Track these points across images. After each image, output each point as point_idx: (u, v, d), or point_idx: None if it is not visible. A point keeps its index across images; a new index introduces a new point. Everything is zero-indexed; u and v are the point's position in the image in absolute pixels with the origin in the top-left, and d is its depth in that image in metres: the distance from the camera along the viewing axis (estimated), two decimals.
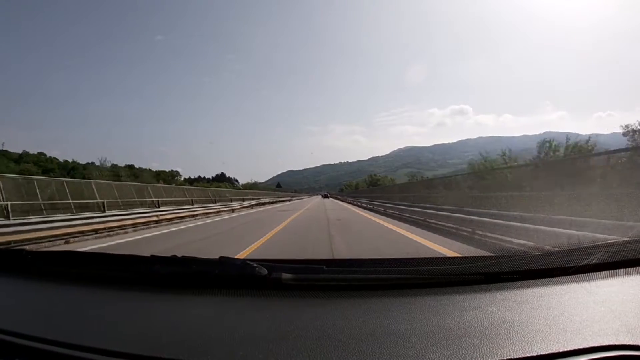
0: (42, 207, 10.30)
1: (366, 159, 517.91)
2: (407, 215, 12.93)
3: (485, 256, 0.98)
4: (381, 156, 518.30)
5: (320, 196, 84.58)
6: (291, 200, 55.43)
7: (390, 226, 10.73)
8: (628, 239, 0.93)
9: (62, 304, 0.91)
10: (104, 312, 0.83)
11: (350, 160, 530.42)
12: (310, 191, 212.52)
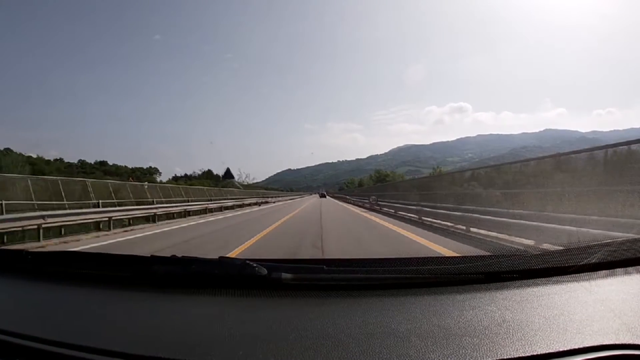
0: None
1: (365, 157, 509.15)
2: None
3: (485, 255, 0.98)
4: (380, 154, 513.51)
5: (317, 195, 75.33)
6: (261, 204, 31.38)
7: None
8: (628, 237, 0.94)
9: (62, 304, 0.91)
10: (104, 312, 0.83)
11: (348, 159, 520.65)
12: (309, 190, 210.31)
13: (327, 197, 62.71)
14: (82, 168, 67.32)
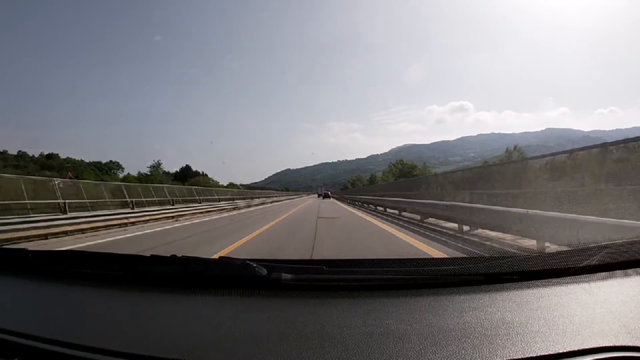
0: None
1: (365, 157, 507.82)
2: None
3: (485, 257, 0.98)
4: (380, 154, 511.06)
5: (316, 196, 58.04)
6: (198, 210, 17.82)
7: None
8: (628, 240, 0.93)
9: (62, 303, 0.91)
10: (104, 312, 0.83)
11: (348, 159, 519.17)
12: (308, 189, 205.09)
13: (330, 197, 48.74)
14: (17, 161, 59.88)
